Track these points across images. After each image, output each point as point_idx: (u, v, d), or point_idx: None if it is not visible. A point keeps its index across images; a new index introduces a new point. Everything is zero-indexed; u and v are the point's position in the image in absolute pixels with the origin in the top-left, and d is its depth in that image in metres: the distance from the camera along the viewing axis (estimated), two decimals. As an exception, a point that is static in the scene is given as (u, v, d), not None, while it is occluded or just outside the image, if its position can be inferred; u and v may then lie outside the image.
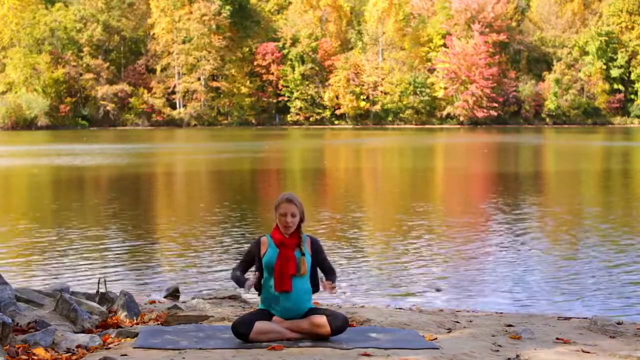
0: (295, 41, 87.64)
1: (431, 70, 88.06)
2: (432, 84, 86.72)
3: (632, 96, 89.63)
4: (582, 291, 8.32)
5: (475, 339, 5.43)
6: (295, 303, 5.18)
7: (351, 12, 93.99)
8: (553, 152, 39.59)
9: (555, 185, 21.89)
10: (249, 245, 5.43)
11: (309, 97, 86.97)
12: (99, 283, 6.88)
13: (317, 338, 5.09)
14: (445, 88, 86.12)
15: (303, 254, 5.22)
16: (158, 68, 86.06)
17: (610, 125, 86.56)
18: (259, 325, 5.04)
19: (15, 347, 4.79)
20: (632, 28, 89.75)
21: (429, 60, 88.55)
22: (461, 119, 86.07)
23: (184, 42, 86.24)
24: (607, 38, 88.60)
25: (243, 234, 12.19)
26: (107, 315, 5.96)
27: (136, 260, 10.06)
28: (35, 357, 4.67)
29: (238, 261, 5.41)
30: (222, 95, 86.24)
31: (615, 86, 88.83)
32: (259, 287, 5.30)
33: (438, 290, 8.40)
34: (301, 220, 5.27)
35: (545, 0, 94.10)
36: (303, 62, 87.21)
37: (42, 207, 16.57)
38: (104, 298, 6.43)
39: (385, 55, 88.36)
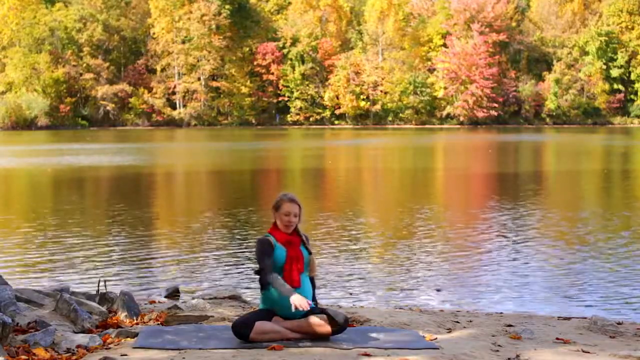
0: (295, 41, 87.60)
1: (431, 70, 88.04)
2: (432, 83, 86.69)
3: (632, 96, 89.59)
4: (582, 291, 8.32)
5: (475, 339, 5.43)
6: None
7: (351, 12, 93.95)
8: (556, 152, 39.57)
9: (557, 185, 21.88)
10: (259, 247, 5.21)
11: (309, 97, 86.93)
12: (99, 283, 6.89)
13: (317, 338, 5.09)
14: (445, 88, 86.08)
15: (311, 253, 5.26)
16: (158, 68, 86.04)
17: (610, 125, 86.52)
18: (259, 325, 5.04)
19: (15, 347, 4.79)
20: (632, 28, 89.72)
21: (429, 60, 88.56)
22: (461, 119, 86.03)
23: (183, 42, 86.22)
24: (607, 38, 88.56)
25: (244, 234, 12.18)
26: (107, 315, 5.96)
27: (136, 260, 10.06)
28: (35, 357, 4.67)
29: (264, 266, 5.13)
30: (222, 95, 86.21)
31: (615, 86, 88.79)
32: (265, 284, 5.25)
33: (438, 290, 8.40)
34: (299, 220, 5.31)
35: (545, 0, 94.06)
36: (303, 62, 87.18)
37: (44, 206, 16.56)
38: (104, 298, 6.43)
39: (385, 55, 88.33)
